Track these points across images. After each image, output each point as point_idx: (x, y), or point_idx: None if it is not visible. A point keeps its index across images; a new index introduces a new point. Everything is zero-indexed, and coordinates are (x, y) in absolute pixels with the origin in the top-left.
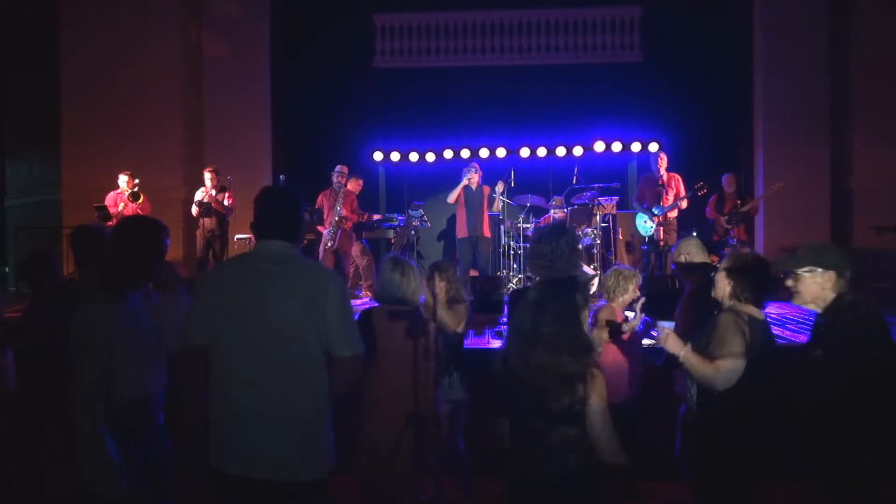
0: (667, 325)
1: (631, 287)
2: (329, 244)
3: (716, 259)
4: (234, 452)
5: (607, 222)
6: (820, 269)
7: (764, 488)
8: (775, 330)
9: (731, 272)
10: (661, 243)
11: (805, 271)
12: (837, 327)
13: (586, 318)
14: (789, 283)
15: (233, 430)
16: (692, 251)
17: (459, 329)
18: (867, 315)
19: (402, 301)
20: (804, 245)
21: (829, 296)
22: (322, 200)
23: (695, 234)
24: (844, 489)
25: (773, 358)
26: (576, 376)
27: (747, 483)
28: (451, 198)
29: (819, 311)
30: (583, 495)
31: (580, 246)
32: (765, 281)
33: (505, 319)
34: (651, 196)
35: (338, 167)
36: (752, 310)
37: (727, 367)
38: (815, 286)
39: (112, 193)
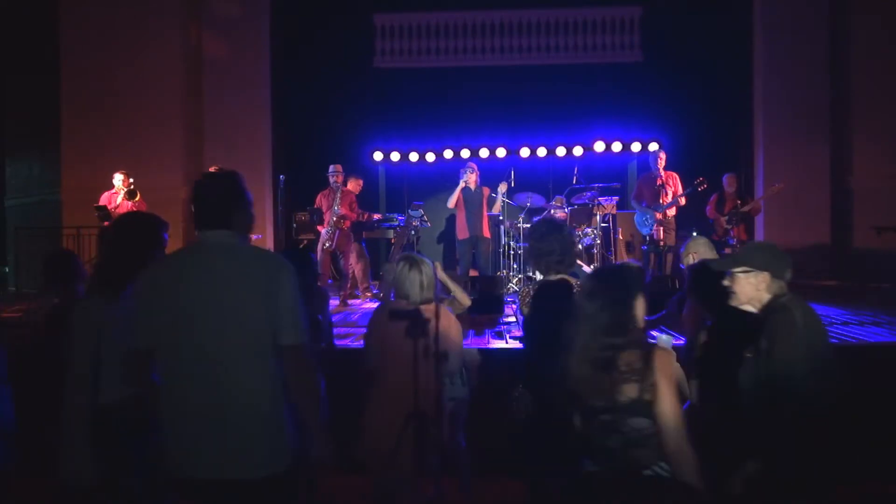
0: (664, 337)
1: None
2: (327, 244)
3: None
4: (193, 456)
5: (607, 222)
6: (754, 270)
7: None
8: None
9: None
10: (661, 243)
11: (740, 272)
12: (768, 329)
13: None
14: (726, 282)
15: (189, 433)
16: (701, 251)
17: (467, 301)
18: (802, 317)
19: (426, 300)
20: (742, 245)
21: (765, 297)
22: (321, 200)
23: (695, 233)
24: (784, 488)
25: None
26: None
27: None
28: (452, 202)
29: (756, 311)
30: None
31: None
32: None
33: (504, 319)
34: (650, 195)
35: (332, 167)
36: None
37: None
38: (750, 287)
39: (107, 193)
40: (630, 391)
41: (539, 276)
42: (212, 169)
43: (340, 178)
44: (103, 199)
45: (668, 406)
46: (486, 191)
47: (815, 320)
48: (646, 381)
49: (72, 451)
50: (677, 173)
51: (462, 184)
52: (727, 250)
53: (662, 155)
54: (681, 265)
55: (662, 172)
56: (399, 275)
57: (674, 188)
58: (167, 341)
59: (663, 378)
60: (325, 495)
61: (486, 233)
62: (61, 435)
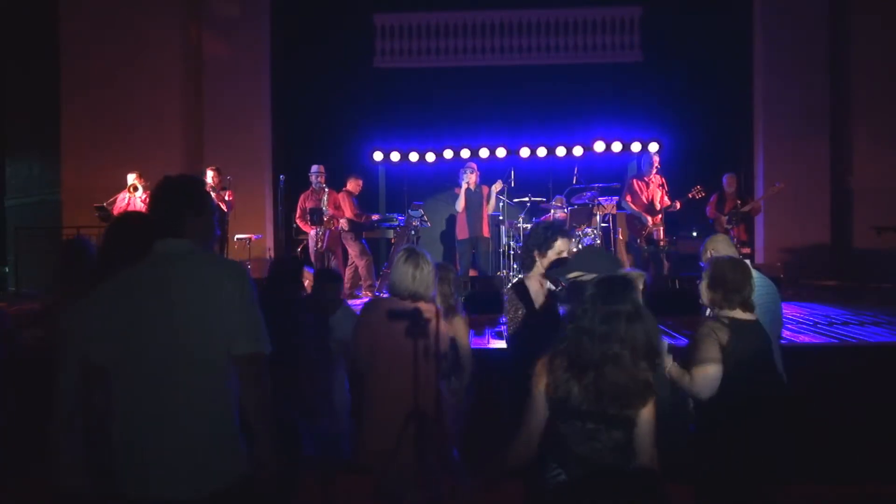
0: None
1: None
2: (319, 245)
3: (748, 251)
4: (153, 473)
5: (607, 222)
6: (587, 275)
7: (765, 492)
8: None
9: (711, 281)
10: (661, 243)
11: (573, 277)
12: None
13: None
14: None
15: (139, 451)
16: (719, 248)
17: (466, 341)
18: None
19: (415, 295)
20: (576, 251)
21: None
22: (304, 201)
23: (694, 234)
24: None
25: (767, 357)
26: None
27: (746, 487)
28: (460, 205)
29: None
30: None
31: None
32: (740, 282)
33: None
34: (639, 201)
35: (314, 167)
36: (738, 313)
37: (699, 375)
38: None
39: (121, 193)
40: (614, 405)
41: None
42: (214, 168)
43: (323, 179)
44: (120, 201)
45: (648, 420)
46: (485, 190)
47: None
48: (617, 400)
49: (66, 454)
50: (680, 179)
51: (465, 185)
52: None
53: (657, 159)
54: (700, 263)
55: (656, 177)
56: (395, 264)
57: (662, 192)
58: (119, 356)
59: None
60: (330, 495)
61: (486, 233)
62: (55, 436)
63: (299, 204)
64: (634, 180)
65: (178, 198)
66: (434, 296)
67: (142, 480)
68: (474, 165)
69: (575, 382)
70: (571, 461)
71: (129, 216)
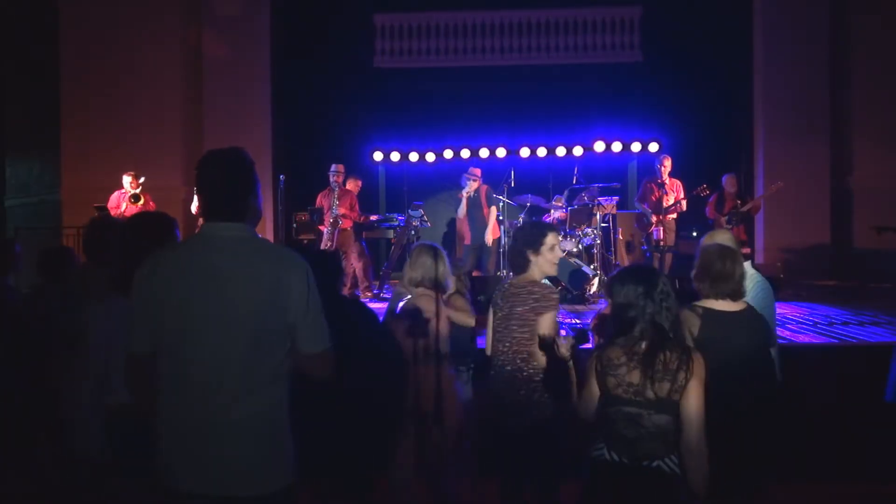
0: None
1: None
2: (328, 244)
3: (748, 251)
4: (195, 468)
5: (607, 222)
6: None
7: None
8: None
9: (698, 270)
10: (662, 243)
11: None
12: None
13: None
14: None
15: (191, 444)
16: (717, 242)
17: (472, 322)
18: None
19: (436, 283)
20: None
21: None
22: (321, 200)
23: (694, 234)
24: None
25: (756, 350)
26: None
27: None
28: (462, 212)
29: None
30: None
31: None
32: (729, 271)
33: None
34: (652, 200)
35: (333, 166)
36: (711, 302)
37: None
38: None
39: (116, 193)
40: (661, 389)
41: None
42: None
43: (341, 178)
44: (112, 201)
45: (695, 407)
46: (483, 188)
47: None
48: (677, 383)
49: (84, 425)
50: (679, 178)
51: (466, 193)
52: None
53: (667, 163)
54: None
55: (668, 180)
56: (423, 262)
57: (676, 195)
58: (166, 345)
59: (696, 380)
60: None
61: (493, 235)
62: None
63: (317, 203)
64: (647, 182)
65: (232, 175)
66: (448, 284)
67: (186, 475)
68: (478, 172)
69: (624, 368)
70: (615, 441)
71: (146, 217)
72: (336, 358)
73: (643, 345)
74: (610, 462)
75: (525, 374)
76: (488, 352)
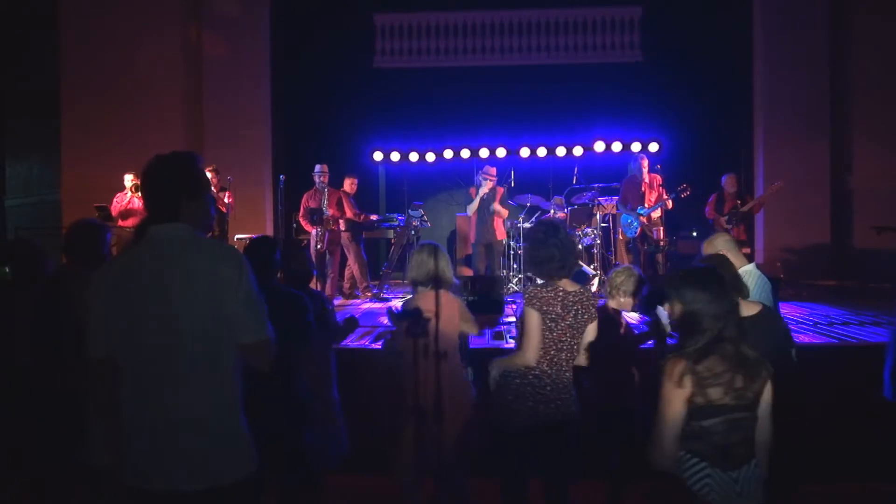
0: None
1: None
2: (318, 245)
3: (747, 251)
4: (156, 466)
5: (607, 222)
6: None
7: None
8: None
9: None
10: (662, 243)
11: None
12: None
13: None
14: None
15: (151, 442)
16: (720, 248)
17: (477, 331)
18: None
19: (439, 280)
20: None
21: None
22: (307, 200)
23: (694, 234)
24: None
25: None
26: None
27: None
28: (472, 210)
29: None
30: None
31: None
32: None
33: (505, 319)
34: (634, 198)
35: (318, 166)
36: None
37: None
38: None
39: (119, 195)
40: (755, 388)
41: (540, 282)
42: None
43: (326, 179)
44: (116, 201)
45: (770, 400)
46: (500, 191)
47: None
48: (762, 377)
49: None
50: (680, 179)
51: (481, 191)
52: None
53: (645, 163)
54: (698, 262)
55: (647, 177)
56: (425, 261)
57: (657, 191)
58: (119, 347)
59: (769, 373)
60: (337, 495)
61: (500, 236)
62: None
63: (302, 203)
64: (625, 182)
65: (172, 179)
66: (457, 283)
67: (146, 472)
68: (493, 172)
69: (729, 374)
70: (715, 451)
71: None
72: (275, 348)
73: (730, 347)
74: (724, 478)
75: (568, 376)
76: (531, 360)
